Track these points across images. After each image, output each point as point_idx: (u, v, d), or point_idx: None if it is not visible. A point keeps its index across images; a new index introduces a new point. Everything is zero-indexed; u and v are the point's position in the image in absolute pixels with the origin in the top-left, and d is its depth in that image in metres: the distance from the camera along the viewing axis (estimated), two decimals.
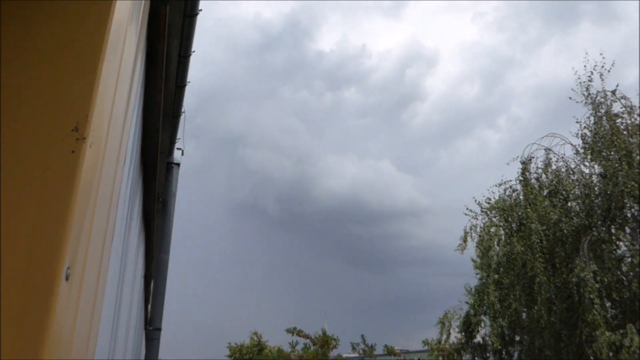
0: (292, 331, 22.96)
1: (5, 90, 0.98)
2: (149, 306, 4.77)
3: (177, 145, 4.08)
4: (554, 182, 13.81)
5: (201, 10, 2.71)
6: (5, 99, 0.98)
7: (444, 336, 16.27)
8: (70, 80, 1.04)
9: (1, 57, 1.01)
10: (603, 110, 13.68)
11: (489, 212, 15.08)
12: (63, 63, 1.05)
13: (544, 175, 14.23)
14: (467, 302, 16.18)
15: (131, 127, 1.79)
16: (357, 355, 26.51)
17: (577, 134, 14.07)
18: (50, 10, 1.06)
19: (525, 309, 13.52)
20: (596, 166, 13.55)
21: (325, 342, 22.57)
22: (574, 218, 13.14)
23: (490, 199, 15.15)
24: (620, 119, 13.35)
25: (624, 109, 13.42)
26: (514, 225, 14.02)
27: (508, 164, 14.73)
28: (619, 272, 12.46)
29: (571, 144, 14.29)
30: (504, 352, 15.14)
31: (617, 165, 12.43)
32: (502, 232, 14.66)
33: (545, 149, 14.40)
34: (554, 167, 14.27)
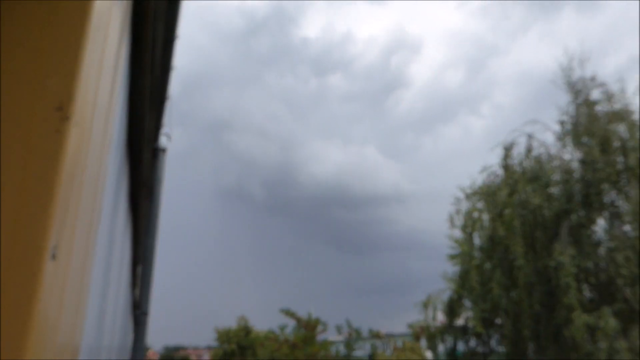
0: (286, 312, 23.17)
1: None
2: (136, 290, 4.77)
3: (163, 131, 4.04)
4: (535, 168, 14.02)
5: None
6: None
7: (430, 317, 16.53)
8: (54, 59, 1.02)
9: None
10: (582, 98, 13.87)
11: (471, 197, 15.30)
12: (46, 41, 1.03)
13: (525, 161, 14.43)
14: (449, 288, 16.45)
15: (117, 110, 1.77)
16: (342, 338, 26.83)
17: (558, 121, 14.29)
18: None
19: (505, 293, 13.81)
20: (576, 152, 13.79)
21: (311, 326, 22.76)
22: (554, 203, 13.38)
23: (473, 184, 15.37)
24: (599, 106, 13.55)
25: (603, 95, 13.62)
26: (496, 210, 14.23)
27: (492, 149, 14.89)
28: (596, 257, 12.78)
29: (551, 131, 14.50)
30: (484, 335, 15.47)
31: (595, 152, 12.66)
32: (485, 217, 14.91)
33: (527, 135, 14.58)
34: (535, 153, 14.47)
